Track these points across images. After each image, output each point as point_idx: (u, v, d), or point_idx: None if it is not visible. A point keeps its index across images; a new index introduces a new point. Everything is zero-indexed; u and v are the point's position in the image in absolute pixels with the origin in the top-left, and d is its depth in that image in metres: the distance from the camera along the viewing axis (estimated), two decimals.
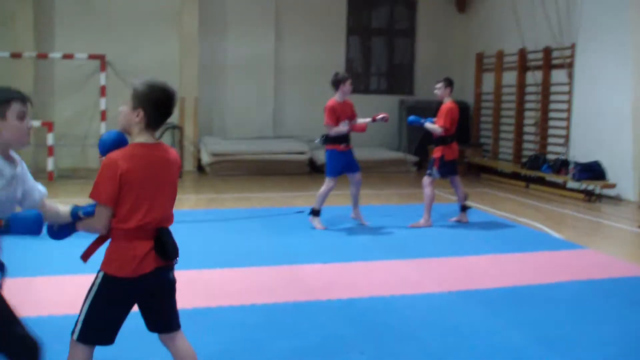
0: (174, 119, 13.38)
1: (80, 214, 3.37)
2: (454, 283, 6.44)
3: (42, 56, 13.46)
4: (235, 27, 15.49)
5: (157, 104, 3.30)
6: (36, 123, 12.19)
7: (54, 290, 5.96)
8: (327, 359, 4.58)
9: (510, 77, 14.90)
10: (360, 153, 9.11)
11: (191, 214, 9.42)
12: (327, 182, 8.78)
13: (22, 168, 3.30)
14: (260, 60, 15.69)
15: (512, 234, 8.79)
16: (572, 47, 12.66)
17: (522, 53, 14.30)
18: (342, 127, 8.65)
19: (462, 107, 9.41)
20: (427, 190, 9.01)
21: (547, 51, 13.52)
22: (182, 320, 3.60)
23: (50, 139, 12.81)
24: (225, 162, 14.04)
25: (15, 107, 3.10)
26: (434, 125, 8.97)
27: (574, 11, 12.59)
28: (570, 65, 12.77)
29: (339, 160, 8.76)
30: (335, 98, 8.71)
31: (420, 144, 15.62)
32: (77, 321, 3.34)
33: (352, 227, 8.95)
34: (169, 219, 3.44)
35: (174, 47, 14.77)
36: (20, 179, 3.25)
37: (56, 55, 13.37)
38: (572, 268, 7.08)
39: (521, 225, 9.30)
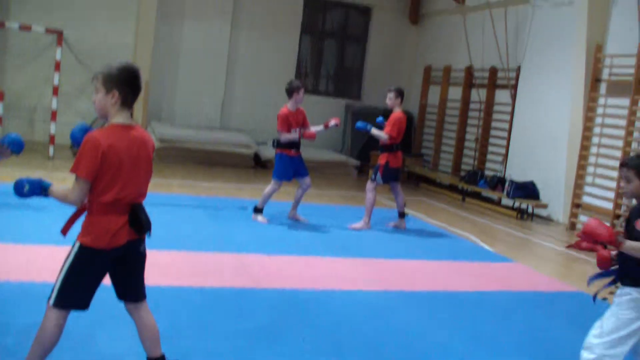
0: None
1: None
2: (389, 283, 6.79)
3: None
4: (193, 15, 15.60)
5: (128, 82, 3.53)
6: None
7: (29, 258, 6.14)
8: (272, 342, 4.85)
9: (455, 92, 15.36)
10: (304, 152, 9.41)
11: None
12: (273, 184, 9.08)
13: None
14: (215, 51, 15.83)
15: (446, 243, 9.18)
16: (518, 69, 13.16)
17: (469, 70, 14.75)
18: (293, 135, 9.01)
19: (407, 117, 9.73)
20: (370, 194, 9.33)
21: (493, 71, 14.00)
22: None
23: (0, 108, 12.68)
24: (173, 148, 14.11)
25: None
26: (380, 132, 9.26)
27: (521, 35, 13.10)
28: (514, 87, 13.26)
29: (287, 165, 9.08)
30: (287, 106, 9.05)
31: (362, 149, 15.99)
32: (53, 288, 3.52)
33: (294, 223, 9.24)
34: (143, 195, 3.69)
35: (130, 30, 14.70)
36: None
37: (13, 25, 12.96)
38: (500, 279, 7.53)
39: (455, 236, 9.70)
